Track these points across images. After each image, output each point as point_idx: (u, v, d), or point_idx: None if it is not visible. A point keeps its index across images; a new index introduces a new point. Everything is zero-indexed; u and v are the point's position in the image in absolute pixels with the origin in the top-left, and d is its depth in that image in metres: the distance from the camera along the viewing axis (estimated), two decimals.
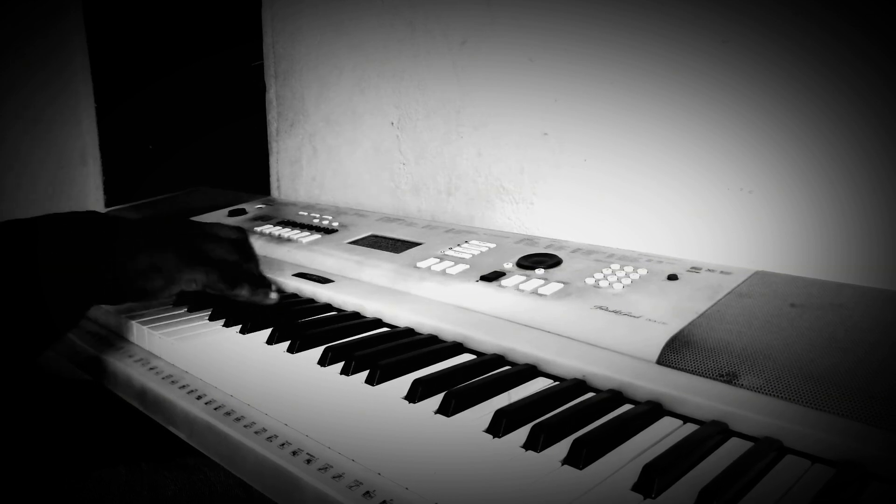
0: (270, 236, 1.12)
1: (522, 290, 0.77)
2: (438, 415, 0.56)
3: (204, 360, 0.69)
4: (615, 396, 0.59)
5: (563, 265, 0.84)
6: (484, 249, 0.93)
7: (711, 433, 0.52)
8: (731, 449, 0.51)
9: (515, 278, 0.81)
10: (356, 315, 0.82)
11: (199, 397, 0.63)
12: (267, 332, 0.75)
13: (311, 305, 0.86)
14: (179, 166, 1.78)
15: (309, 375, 0.65)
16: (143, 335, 0.77)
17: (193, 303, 0.85)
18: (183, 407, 0.63)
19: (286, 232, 1.12)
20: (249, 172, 1.64)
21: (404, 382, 0.61)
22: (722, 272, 0.78)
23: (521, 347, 0.67)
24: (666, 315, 0.68)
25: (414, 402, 0.58)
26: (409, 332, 0.76)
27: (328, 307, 0.86)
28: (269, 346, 0.72)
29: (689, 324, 0.66)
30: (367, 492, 0.46)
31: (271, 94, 1.55)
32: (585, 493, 0.45)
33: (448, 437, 0.53)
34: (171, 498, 0.80)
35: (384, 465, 0.49)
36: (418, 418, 0.56)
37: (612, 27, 0.95)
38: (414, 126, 1.25)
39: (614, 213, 0.98)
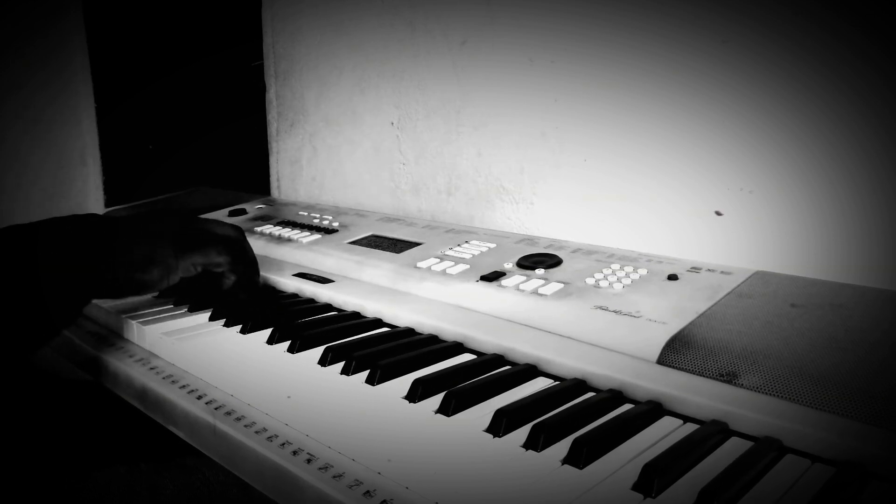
0: (270, 236, 1.12)
1: (522, 290, 0.77)
2: (439, 414, 0.56)
3: (204, 359, 0.69)
4: (615, 396, 0.59)
5: (563, 265, 0.84)
6: (484, 249, 0.93)
7: (711, 433, 0.52)
8: (731, 448, 0.51)
9: (515, 278, 0.81)
10: (356, 315, 0.82)
11: (199, 397, 0.63)
12: (267, 332, 0.75)
13: (312, 305, 0.86)
14: (179, 166, 1.78)
15: (309, 375, 0.65)
16: (144, 335, 0.77)
17: (194, 303, 0.85)
18: (183, 407, 0.63)
19: (286, 232, 1.12)
20: (249, 172, 1.64)
21: (404, 382, 0.61)
22: (722, 272, 0.78)
23: (521, 347, 0.67)
24: (666, 315, 0.68)
25: (414, 402, 0.58)
26: (410, 332, 0.76)
27: (328, 307, 0.86)
28: (270, 346, 0.72)
29: (690, 324, 0.66)
30: (368, 491, 0.46)
31: (271, 94, 1.55)
32: (585, 493, 0.45)
33: (448, 437, 0.53)
34: (170, 498, 0.80)
35: (384, 464, 0.49)
36: (418, 418, 0.56)
37: (612, 27, 0.95)
38: (414, 126, 1.25)
39: (614, 213, 0.98)
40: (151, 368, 0.71)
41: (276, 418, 0.57)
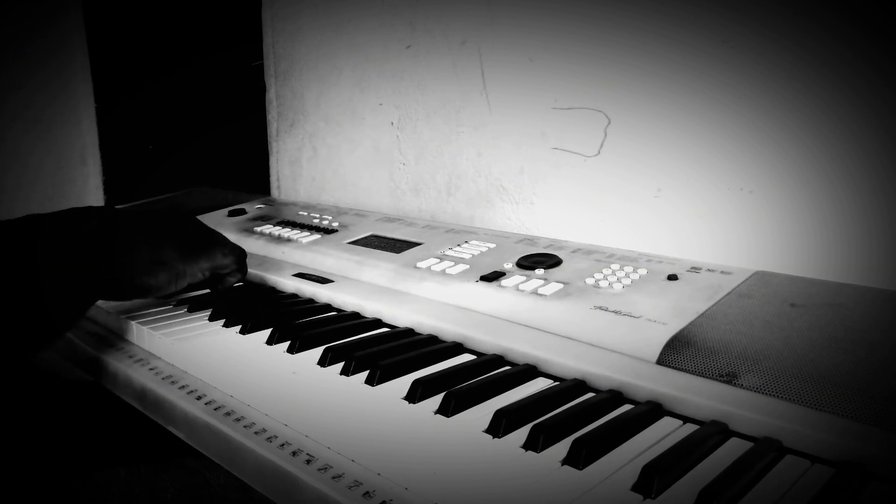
0: (270, 236, 1.12)
1: (522, 291, 0.77)
2: (438, 415, 0.56)
3: (204, 360, 0.69)
4: (615, 396, 0.59)
5: (563, 265, 0.84)
6: (484, 249, 0.93)
7: (711, 433, 0.52)
8: (731, 449, 0.51)
9: (515, 278, 0.81)
10: (356, 315, 0.82)
11: (198, 397, 0.63)
12: (267, 332, 0.75)
13: (311, 306, 0.86)
14: (179, 166, 1.78)
15: (309, 376, 0.65)
16: (143, 335, 0.77)
17: (193, 303, 0.85)
18: (182, 407, 0.63)
19: (286, 232, 1.11)
20: (249, 172, 1.64)
21: (404, 383, 0.61)
22: (722, 272, 0.77)
23: (520, 348, 0.67)
24: (666, 315, 0.68)
25: (414, 403, 0.58)
26: (409, 332, 0.76)
27: (328, 307, 0.86)
28: (269, 347, 0.72)
29: (690, 324, 0.66)
30: (367, 492, 0.46)
31: (271, 94, 1.55)
32: (585, 494, 0.45)
33: (448, 438, 0.53)
34: (169, 500, 0.80)
35: (384, 465, 0.49)
36: (418, 418, 0.56)
37: (612, 27, 0.95)
38: (414, 126, 1.25)
39: (614, 213, 0.98)
40: (151, 369, 0.71)
41: (276, 419, 0.57)
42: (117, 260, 0.71)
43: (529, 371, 0.65)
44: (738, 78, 0.84)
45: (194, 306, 0.84)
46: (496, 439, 0.52)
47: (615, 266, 0.81)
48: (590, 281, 0.78)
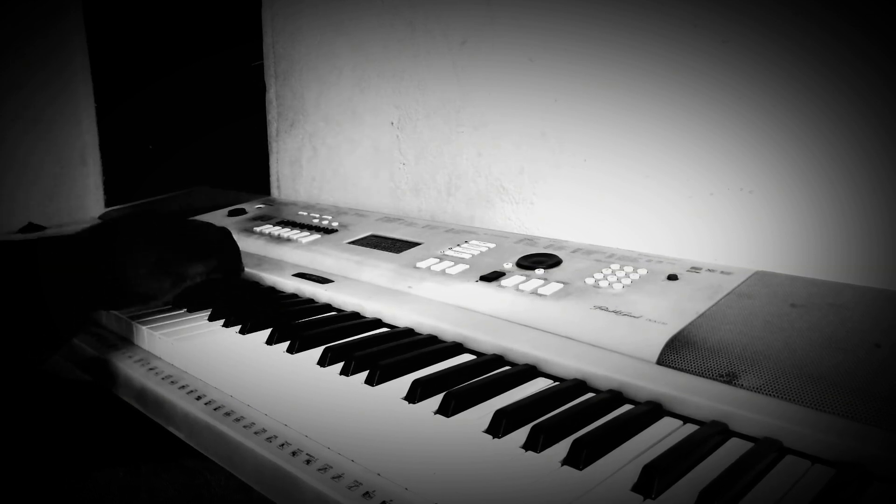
0: (270, 236, 1.12)
1: (522, 291, 0.77)
2: (438, 415, 0.56)
3: (203, 360, 0.69)
4: (615, 397, 0.59)
5: (562, 265, 0.84)
6: (484, 249, 0.93)
7: (711, 433, 0.52)
8: (731, 449, 0.51)
9: (515, 278, 0.81)
10: (356, 315, 0.82)
11: (198, 398, 0.63)
12: (266, 332, 0.75)
13: (311, 305, 0.86)
14: (179, 166, 1.78)
15: (308, 376, 0.65)
16: (143, 335, 0.77)
17: (193, 303, 0.85)
18: (182, 407, 0.63)
19: (286, 232, 1.11)
20: (249, 172, 1.64)
21: (404, 383, 0.61)
22: (722, 272, 0.77)
23: (520, 348, 0.67)
24: (666, 315, 0.68)
25: (414, 403, 0.58)
26: (409, 332, 0.76)
27: (328, 307, 0.86)
28: (269, 347, 0.72)
29: (690, 324, 0.66)
30: (367, 492, 0.46)
31: (271, 94, 1.55)
32: (585, 494, 0.45)
33: (448, 438, 0.53)
34: (169, 500, 0.80)
35: (384, 465, 0.49)
36: (418, 419, 0.56)
37: (612, 27, 0.95)
38: (414, 126, 1.25)
39: (614, 213, 0.98)
40: (151, 369, 0.71)
41: (276, 419, 0.57)
42: (117, 260, 0.71)
43: (529, 371, 0.65)
44: (738, 78, 0.84)
45: (194, 306, 0.84)
46: (496, 439, 0.52)
47: (615, 266, 0.81)
48: (590, 281, 0.78)
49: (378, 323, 0.80)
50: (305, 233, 1.10)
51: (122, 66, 1.80)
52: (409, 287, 0.86)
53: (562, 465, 0.48)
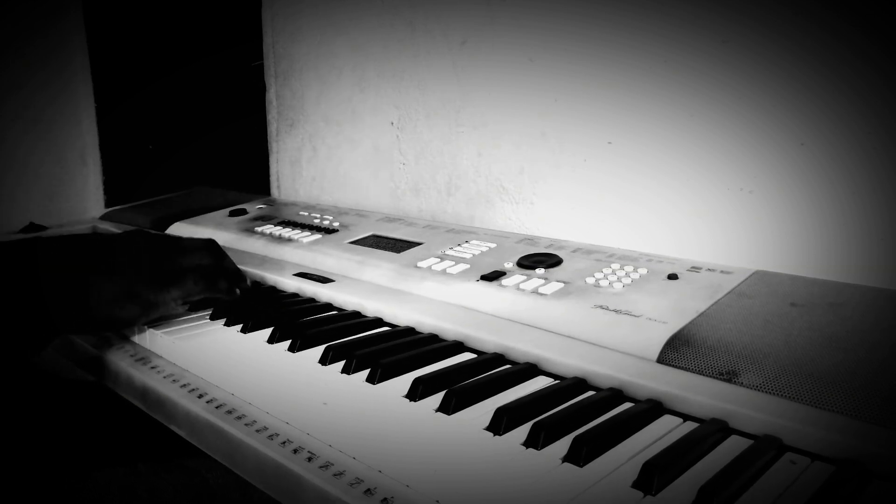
0: (271, 236, 1.12)
1: (523, 290, 0.78)
2: (439, 413, 0.56)
3: (205, 358, 0.69)
4: (615, 395, 0.59)
5: (563, 265, 0.84)
6: (484, 249, 0.93)
7: (711, 431, 0.52)
8: (731, 447, 0.51)
9: (516, 278, 0.81)
10: (357, 314, 0.82)
11: (200, 396, 0.63)
12: (268, 331, 0.75)
13: (312, 305, 0.86)
14: (179, 166, 1.79)
15: (310, 374, 0.65)
16: (144, 334, 0.77)
17: (195, 302, 0.85)
18: (184, 406, 0.63)
19: (287, 232, 1.12)
20: (249, 172, 1.64)
21: (405, 381, 0.61)
22: (722, 272, 0.78)
23: (521, 346, 0.67)
24: (666, 314, 0.68)
25: (415, 401, 0.58)
26: (410, 331, 0.76)
27: (329, 307, 0.86)
28: (270, 345, 0.72)
29: (690, 323, 0.66)
30: (368, 489, 0.46)
31: (271, 94, 1.56)
32: (586, 491, 0.45)
33: (449, 436, 0.53)
34: (169, 500, 0.80)
35: (385, 462, 0.49)
36: (419, 416, 0.56)
37: (612, 27, 0.95)
38: (414, 126, 1.25)
39: (614, 213, 0.98)
40: (152, 367, 0.71)
41: (277, 417, 0.58)
42: (117, 259, 0.71)
43: (530, 370, 0.65)
44: (738, 78, 0.84)
45: (195, 306, 0.84)
46: (497, 437, 0.52)
47: (615, 265, 0.82)
48: (590, 280, 0.78)
49: (379, 322, 0.80)
50: (306, 233, 1.11)
51: (122, 66, 1.80)
52: (410, 287, 0.86)
53: (562, 462, 0.48)
